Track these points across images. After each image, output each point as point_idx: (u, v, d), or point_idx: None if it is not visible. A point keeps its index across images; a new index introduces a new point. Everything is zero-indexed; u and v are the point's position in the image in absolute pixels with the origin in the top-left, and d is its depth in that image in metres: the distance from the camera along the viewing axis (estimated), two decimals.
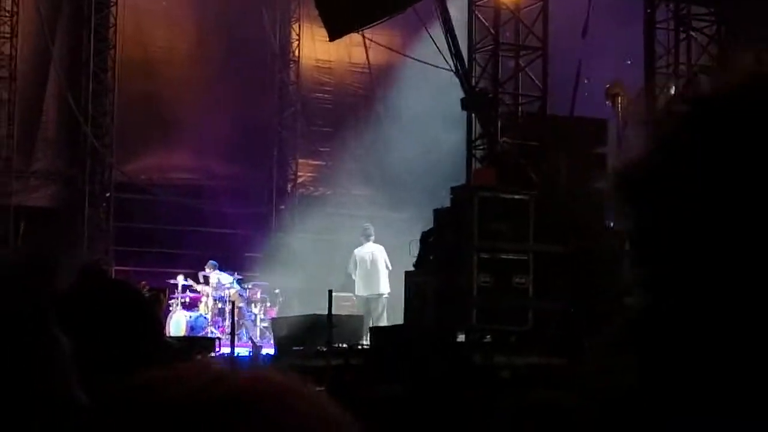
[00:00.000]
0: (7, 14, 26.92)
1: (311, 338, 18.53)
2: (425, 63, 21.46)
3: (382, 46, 25.24)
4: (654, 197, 1.21)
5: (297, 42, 30.68)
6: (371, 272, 22.58)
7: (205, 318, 24.15)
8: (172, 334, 22.52)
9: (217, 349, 20.26)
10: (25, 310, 1.30)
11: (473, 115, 17.80)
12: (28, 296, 1.32)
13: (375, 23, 21.62)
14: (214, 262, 24.99)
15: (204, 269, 24.98)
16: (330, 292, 17.99)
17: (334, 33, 20.78)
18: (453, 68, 18.02)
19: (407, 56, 24.67)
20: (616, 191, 1.26)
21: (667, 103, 1.23)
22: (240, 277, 25.58)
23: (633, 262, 1.24)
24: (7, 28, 26.92)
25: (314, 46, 30.24)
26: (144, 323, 2.67)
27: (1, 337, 1.25)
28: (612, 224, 18.53)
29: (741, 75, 1.21)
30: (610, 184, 1.28)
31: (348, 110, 29.90)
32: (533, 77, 18.03)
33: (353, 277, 23.00)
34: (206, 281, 24.87)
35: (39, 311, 1.32)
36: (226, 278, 24.90)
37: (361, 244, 23.26)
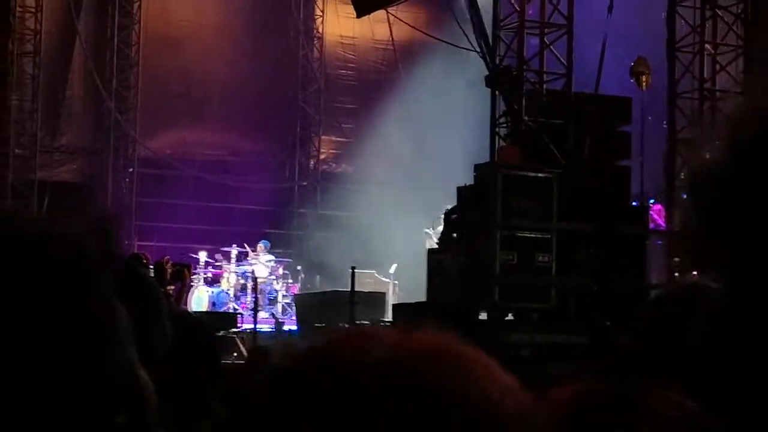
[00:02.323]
0: None
1: (333, 315, 18.56)
2: (447, 43, 21.37)
3: (405, 23, 25.14)
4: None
5: (321, 18, 30.64)
6: None
7: (227, 293, 24.20)
8: (193, 310, 22.58)
9: (239, 325, 20.30)
10: (86, 279, 1.27)
11: (497, 92, 17.72)
12: (90, 264, 1.29)
13: (402, 0, 21.53)
14: (266, 242, 25.10)
15: (230, 245, 24.99)
16: (353, 269, 17.99)
17: (362, 9, 20.72)
18: (476, 47, 17.93)
19: (430, 35, 24.56)
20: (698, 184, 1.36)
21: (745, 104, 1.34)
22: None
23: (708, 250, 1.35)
24: (33, 3, 26.94)
25: (338, 23, 30.17)
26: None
27: (61, 309, 1.23)
28: (638, 204, 18.49)
29: None
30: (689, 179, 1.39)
31: (371, 87, 29.85)
32: (558, 55, 17.94)
33: None
34: (239, 258, 24.87)
35: (100, 279, 1.29)
36: (267, 257, 24.99)
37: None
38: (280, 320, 22.58)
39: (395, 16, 24.34)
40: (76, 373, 1.19)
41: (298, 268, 26.55)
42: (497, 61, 17.71)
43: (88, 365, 1.20)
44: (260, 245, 25.05)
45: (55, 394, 1.18)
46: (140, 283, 2.46)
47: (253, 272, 23.97)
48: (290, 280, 25.63)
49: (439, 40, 23.21)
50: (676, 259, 17.65)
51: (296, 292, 24.86)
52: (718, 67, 18.71)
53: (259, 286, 22.68)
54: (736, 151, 1.31)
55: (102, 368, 1.22)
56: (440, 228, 22.58)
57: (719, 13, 18.60)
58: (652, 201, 21.71)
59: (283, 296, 24.88)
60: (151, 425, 1.65)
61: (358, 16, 21.44)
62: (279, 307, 24.51)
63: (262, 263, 24.63)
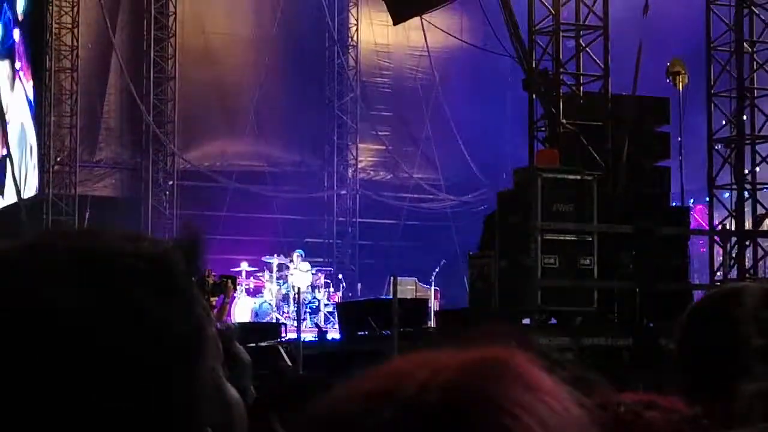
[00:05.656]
0: (68, 5, 27.15)
1: (376, 322, 18.54)
2: (482, 49, 21.35)
3: (440, 29, 25.15)
4: None
5: (355, 27, 30.68)
6: None
7: (269, 304, 24.24)
8: (236, 321, 22.62)
9: (283, 335, 20.32)
10: (176, 295, 1.26)
11: (534, 96, 17.69)
12: (179, 279, 1.28)
13: (439, 6, 21.52)
14: (300, 251, 25.13)
15: (270, 255, 25.05)
16: (394, 276, 17.98)
17: (399, 17, 20.69)
18: (512, 52, 17.91)
19: (464, 42, 24.54)
20: None
21: None
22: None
23: None
24: (69, 19, 27.13)
25: (372, 30, 30.22)
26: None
27: (153, 325, 1.22)
28: (675, 204, 18.41)
29: None
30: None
31: (407, 93, 29.86)
32: (594, 57, 17.89)
33: None
34: (280, 268, 24.91)
35: (189, 295, 1.28)
36: (305, 266, 25.01)
37: None
38: (323, 329, 22.60)
39: (430, 23, 24.37)
40: (167, 388, 1.19)
41: (339, 276, 26.57)
42: (534, 65, 17.68)
43: (178, 380, 1.20)
44: (295, 254, 25.09)
45: (146, 408, 1.18)
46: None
47: (292, 283, 24.03)
48: (331, 289, 25.66)
49: (473, 46, 23.19)
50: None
51: (338, 301, 24.88)
52: (755, 64, 18.60)
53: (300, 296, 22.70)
54: None
55: (192, 384, 1.21)
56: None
57: (755, 10, 18.49)
58: (692, 201, 21.61)
59: (325, 305, 24.91)
60: None
61: (395, 23, 21.43)
62: (321, 315, 24.54)
63: (301, 272, 24.67)
